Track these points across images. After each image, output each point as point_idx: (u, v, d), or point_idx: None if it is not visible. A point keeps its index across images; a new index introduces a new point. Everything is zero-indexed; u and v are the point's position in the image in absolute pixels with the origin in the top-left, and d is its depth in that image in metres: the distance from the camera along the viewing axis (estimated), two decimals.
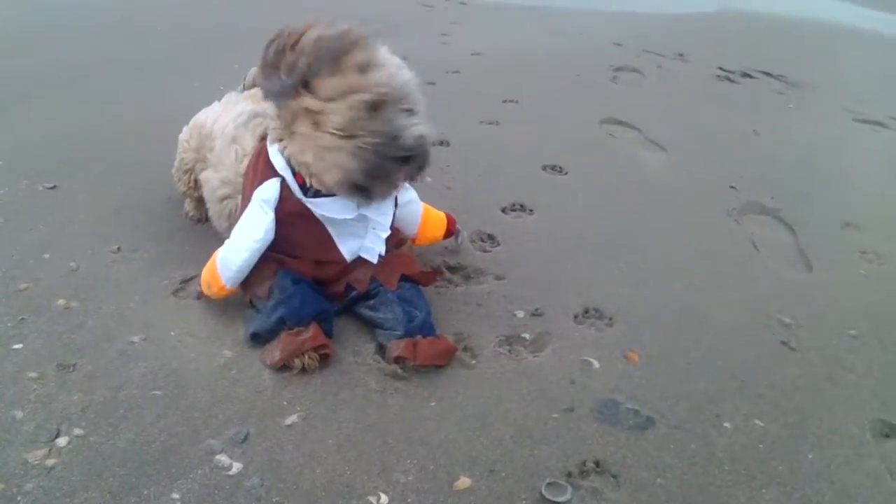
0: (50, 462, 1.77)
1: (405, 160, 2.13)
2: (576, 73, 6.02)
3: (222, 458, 1.81)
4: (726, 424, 2.09)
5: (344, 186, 2.16)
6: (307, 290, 2.28)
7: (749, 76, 6.56)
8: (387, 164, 2.10)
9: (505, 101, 5.02)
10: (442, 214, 2.76)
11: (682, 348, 2.43)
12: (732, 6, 10.62)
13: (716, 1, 10.80)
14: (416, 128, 2.11)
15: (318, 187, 2.22)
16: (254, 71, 2.93)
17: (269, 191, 2.26)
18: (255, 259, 2.29)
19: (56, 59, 5.13)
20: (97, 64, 5.11)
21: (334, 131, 2.09)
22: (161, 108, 4.20)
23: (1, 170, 3.35)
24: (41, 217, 2.94)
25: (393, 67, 2.16)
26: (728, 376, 2.31)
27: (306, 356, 2.11)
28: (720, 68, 6.67)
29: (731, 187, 3.83)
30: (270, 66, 2.11)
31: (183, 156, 2.84)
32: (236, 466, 1.79)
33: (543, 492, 1.78)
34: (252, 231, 2.26)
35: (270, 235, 2.28)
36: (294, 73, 2.06)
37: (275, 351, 2.14)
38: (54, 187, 3.20)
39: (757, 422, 2.12)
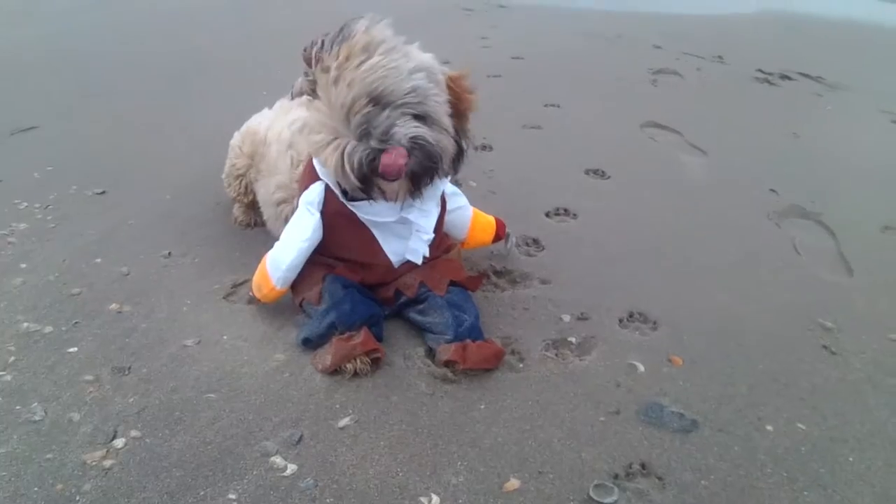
0: (107, 463, 1.80)
1: None
2: (616, 76, 6.01)
3: (277, 460, 1.83)
4: (768, 427, 2.09)
5: (344, 183, 2.17)
6: (357, 295, 2.30)
7: (788, 78, 6.51)
8: (372, 163, 2.05)
9: (546, 105, 5.03)
10: (491, 219, 2.76)
11: (725, 352, 2.42)
12: (772, 7, 10.57)
13: (755, 1, 10.74)
14: (410, 129, 2.05)
15: (343, 185, 2.22)
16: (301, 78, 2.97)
17: (313, 193, 2.28)
18: (304, 259, 2.32)
19: (102, 70, 5.25)
20: (141, 73, 5.22)
21: (326, 121, 2.11)
22: (204, 116, 4.29)
23: (50, 175, 3.43)
24: (91, 222, 3.00)
25: (397, 61, 2.08)
26: (769, 379, 2.30)
27: (358, 360, 2.13)
28: (759, 70, 6.62)
29: (772, 191, 3.81)
30: (305, 63, 2.16)
31: (235, 161, 2.88)
32: (291, 468, 1.81)
33: (591, 493, 1.79)
34: (300, 231, 2.28)
35: (318, 235, 2.31)
36: (310, 64, 2.11)
37: (326, 356, 2.17)
38: (103, 192, 3.27)
39: (799, 425, 2.11)
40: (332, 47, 2.07)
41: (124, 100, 4.62)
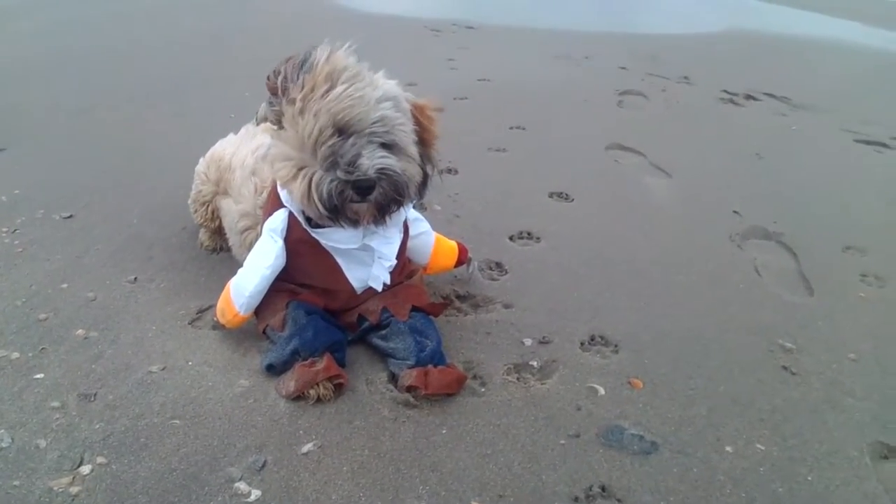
0: (74, 490, 1.82)
1: (361, 191, 2.10)
2: (582, 98, 6.09)
3: (241, 486, 1.86)
4: (728, 448, 2.14)
5: (310, 211, 2.19)
6: (319, 322, 2.34)
7: (753, 98, 6.61)
8: (341, 194, 2.09)
9: (512, 128, 5.08)
10: (453, 244, 2.80)
11: (685, 374, 2.48)
12: (740, 25, 10.70)
13: (724, 20, 10.87)
14: (378, 160, 2.08)
15: (309, 214, 2.24)
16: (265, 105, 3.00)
17: (276, 220, 2.31)
18: (267, 285, 2.35)
19: (67, 93, 5.24)
20: (107, 96, 5.21)
21: (293, 153, 2.14)
22: (172, 139, 4.30)
23: (17, 199, 3.42)
24: (58, 247, 3.00)
25: (363, 90, 2.10)
26: (730, 401, 2.36)
27: (321, 386, 2.16)
28: (724, 91, 6.73)
29: (735, 212, 3.88)
30: (269, 92, 2.19)
31: (201, 188, 2.90)
32: (255, 493, 1.84)
33: None
34: (263, 258, 2.31)
35: (281, 262, 2.33)
36: (275, 93, 2.14)
37: (290, 382, 2.20)
38: (70, 216, 3.28)
39: (758, 445, 2.16)
40: (295, 78, 2.10)
41: (91, 122, 4.62)
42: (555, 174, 4.21)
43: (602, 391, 2.35)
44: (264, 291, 2.36)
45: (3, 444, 1.96)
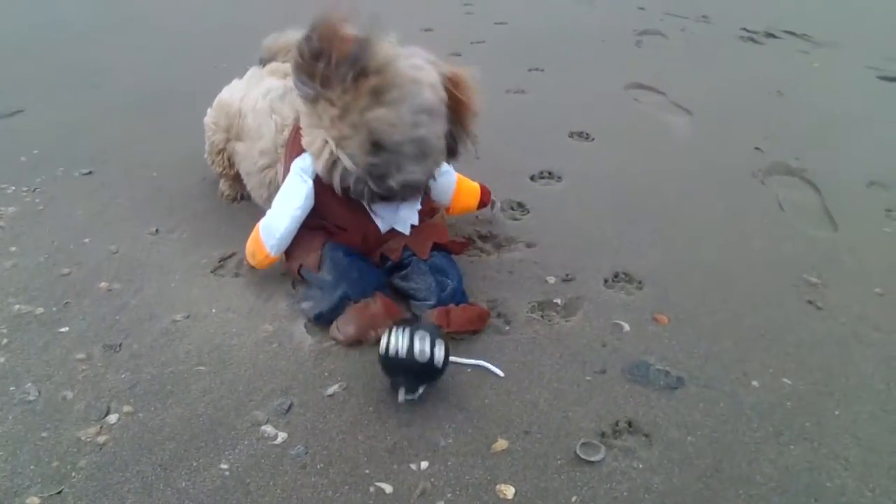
0: (101, 439, 1.83)
1: (383, 199, 2.17)
2: (600, 39, 5.99)
3: (267, 429, 1.86)
4: (754, 383, 2.12)
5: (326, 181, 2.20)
6: (361, 263, 2.34)
7: (773, 36, 6.47)
8: (362, 193, 2.14)
9: (530, 70, 5.01)
10: (476, 185, 2.78)
11: (710, 309, 2.45)
12: None
13: None
14: (405, 175, 2.09)
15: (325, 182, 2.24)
16: (268, 42, 2.96)
17: (306, 161, 2.28)
18: (297, 226, 2.33)
19: (84, 54, 5.21)
20: (124, 56, 5.19)
21: (330, 141, 2.10)
22: (187, 88, 4.28)
23: (37, 159, 3.42)
24: (79, 203, 3.00)
25: (404, 112, 2.03)
26: (755, 336, 2.33)
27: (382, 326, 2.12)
28: (744, 29, 6.59)
29: (757, 149, 3.81)
30: (304, 72, 2.07)
31: (213, 138, 2.87)
32: (281, 436, 1.84)
33: (578, 451, 1.81)
34: (293, 199, 2.28)
35: (310, 202, 2.30)
36: (318, 81, 2.05)
37: (348, 326, 2.18)
38: (90, 173, 3.27)
39: (784, 380, 2.14)
40: (341, 74, 2.01)
41: (108, 82, 4.60)
42: (575, 114, 4.15)
43: (627, 327, 2.33)
44: (294, 232, 2.34)
45: (31, 398, 1.96)
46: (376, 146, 2.03)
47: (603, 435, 1.89)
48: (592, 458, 1.80)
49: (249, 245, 2.39)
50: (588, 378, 2.10)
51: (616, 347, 2.23)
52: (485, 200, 2.80)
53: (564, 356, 2.18)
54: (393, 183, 2.07)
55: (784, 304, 2.51)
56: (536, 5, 7.22)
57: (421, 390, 1.93)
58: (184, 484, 1.71)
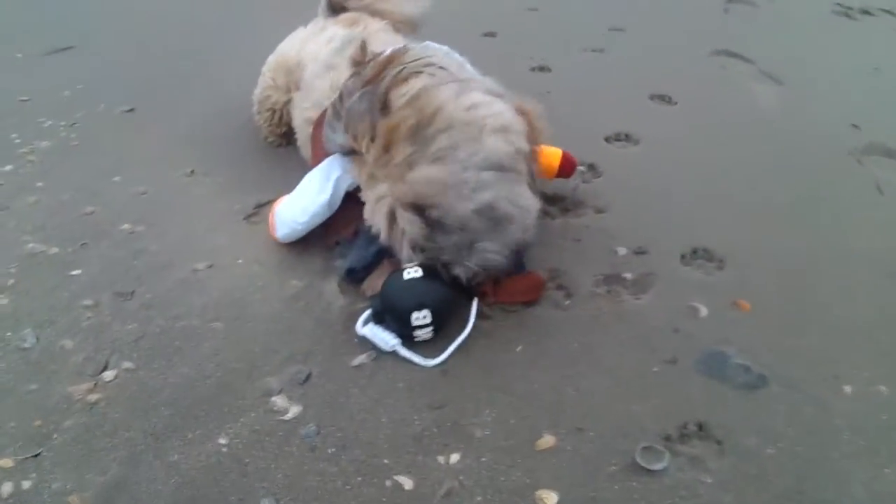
0: (93, 397, 1.66)
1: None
2: (686, 3, 5.67)
3: (278, 400, 1.64)
4: (846, 388, 1.79)
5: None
6: None
7: (868, 13, 6.07)
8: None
9: (611, 29, 4.70)
10: (557, 150, 2.46)
11: (797, 298, 2.12)
12: None
13: None
14: (479, 261, 1.76)
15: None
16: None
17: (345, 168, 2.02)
18: (315, 225, 2.09)
19: None
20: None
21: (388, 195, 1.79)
22: (232, 35, 4.19)
23: (80, 93, 3.35)
24: (115, 141, 2.89)
25: (456, 171, 1.70)
26: (848, 332, 1.99)
27: None
28: (838, 4, 6.20)
29: (853, 126, 3.46)
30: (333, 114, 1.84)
31: (269, 93, 2.68)
32: (293, 410, 1.61)
33: (637, 458, 1.53)
34: (309, 203, 2.04)
35: (328, 210, 2.05)
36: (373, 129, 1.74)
37: (380, 280, 1.90)
38: (131, 110, 3.17)
39: (881, 387, 1.80)
40: (359, 122, 1.75)
41: (158, 23, 4.52)
42: (656, 77, 3.83)
43: (704, 311, 2.02)
44: (306, 231, 2.10)
45: (27, 345, 1.82)
46: (424, 216, 1.72)
47: (668, 438, 1.60)
48: (653, 467, 1.52)
49: (270, 217, 2.16)
50: (655, 368, 1.80)
51: (690, 334, 1.93)
52: (567, 170, 2.49)
53: (630, 340, 1.89)
54: (464, 275, 1.76)
55: (881, 299, 2.16)
56: None
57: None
58: (175, 457, 1.52)
